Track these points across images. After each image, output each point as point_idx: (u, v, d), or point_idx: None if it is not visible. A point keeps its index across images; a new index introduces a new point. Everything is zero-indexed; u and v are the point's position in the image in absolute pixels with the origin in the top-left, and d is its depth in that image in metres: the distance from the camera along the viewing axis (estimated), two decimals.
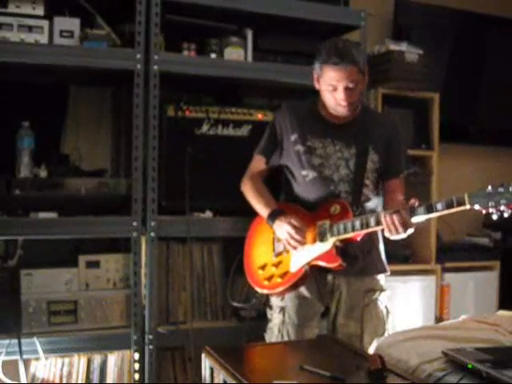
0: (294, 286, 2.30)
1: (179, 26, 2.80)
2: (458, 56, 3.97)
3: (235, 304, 2.64)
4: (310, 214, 2.30)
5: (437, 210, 2.01)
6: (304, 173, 2.34)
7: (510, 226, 3.95)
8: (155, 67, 2.65)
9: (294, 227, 2.21)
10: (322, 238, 2.22)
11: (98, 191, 2.69)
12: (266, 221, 2.33)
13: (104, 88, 3.10)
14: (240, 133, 2.83)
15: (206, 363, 1.84)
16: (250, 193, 2.44)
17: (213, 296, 2.88)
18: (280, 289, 2.30)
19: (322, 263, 2.22)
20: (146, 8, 2.64)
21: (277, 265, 2.33)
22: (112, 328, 2.70)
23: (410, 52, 3.35)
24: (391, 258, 3.38)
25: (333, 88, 2.21)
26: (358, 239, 2.20)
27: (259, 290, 2.38)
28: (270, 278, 2.33)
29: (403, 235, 2.08)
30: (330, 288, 2.35)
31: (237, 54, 2.86)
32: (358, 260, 2.32)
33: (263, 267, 2.37)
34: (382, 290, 2.40)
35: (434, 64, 3.46)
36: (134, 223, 2.64)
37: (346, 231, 2.17)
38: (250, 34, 2.91)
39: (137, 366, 2.67)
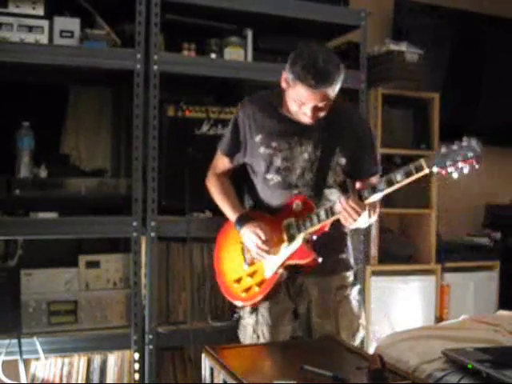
0: (273, 292, 2.24)
1: (179, 26, 2.80)
2: (458, 56, 3.97)
3: (215, 324, 2.57)
4: (275, 217, 2.23)
5: (397, 182, 1.97)
6: (268, 176, 2.24)
7: (510, 226, 3.95)
8: (155, 67, 2.65)
9: (260, 237, 2.16)
10: (290, 237, 2.17)
11: (98, 191, 2.69)
12: (233, 225, 2.27)
13: (104, 88, 3.10)
14: None
15: (206, 363, 1.84)
16: (216, 191, 2.38)
17: (213, 296, 2.88)
18: (259, 297, 2.23)
19: (295, 262, 2.18)
20: (146, 8, 2.64)
21: (252, 274, 2.26)
22: (112, 328, 2.70)
23: (410, 52, 3.35)
24: (391, 258, 3.42)
25: (301, 103, 2.08)
26: (327, 229, 2.15)
27: (238, 304, 2.32)
28: (247, 290, 2.26)
29: (357, 219, 2.04)
30: (299, 288, 2.28)
31: (237, 53, 2.86)
32: (328, 260, 2.21)
33: (238, 280, 2.29)
34: (352, 284, 2.34)
35: (434, 64, 3.47)
36: (134, 223, 2.64)
37: (312, 224, 2.13)
38: (250, 34, 2.91)
39: (137, 366, 2.67)
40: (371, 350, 2.93)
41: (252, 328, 2.29)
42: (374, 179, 2.27)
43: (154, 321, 2.68)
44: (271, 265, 2.21)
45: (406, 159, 3.47)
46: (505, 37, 4.12)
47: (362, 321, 2.34)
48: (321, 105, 2.08)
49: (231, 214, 2.30)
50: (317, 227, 2.13)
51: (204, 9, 2.74)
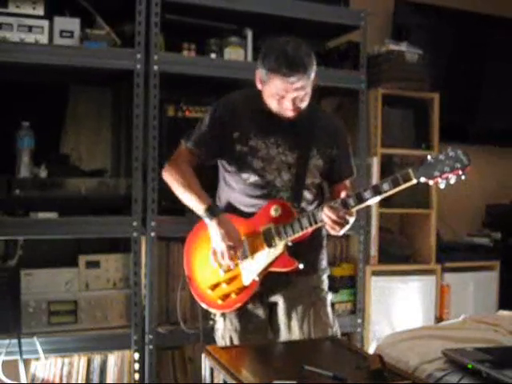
0: (252, 298, 2.17)
1: (179, 26, 2.80)
2: (458, 56, 3.97)
3: (188, 331, 2.44)
4: (250, 221, 2.15)
5: (384, 191, 1.97)
6: (245, 176, 2.17)
7: (510, 226, 3.95)
8: (155, 67, 2.65)
9: (229, 247, 2.05)
10: (270, 243, 2.10)
11: (98, 191, 2.69)
12: (202, 215, 2.12)
13: (104, 88, 3.10)
14: None
15: (206, 363, 1.84)
16: (178, 181, 2.16)
17: None
18: (238, 305, 2.16)
19: (278, 269, 2.11)
20: (146, 8, 2.64)
21: (228, 281, 2.16)
22: (112, 328, 2.70)
23: (410, 52, 3.35)
24: (391, 258, 3.42)
25: (280, 96, 2.05)
26: (307, 235, 2.11)
27: (214, 311, 2.22)
28: (224, 297, 2.16)
29: (345, 228, 2.02)
30: (269, 287, 2.19)
31: (237, 53, 2.86)
32: (303, 259, 2.14)
33: (213, 287, 2.18)
34: (328, 290, 2.29)
35: (434, 64, 3.46)
36: (134, 223, 2.64)
37: (294, 231, 2.07)
38: (250, 34, 2.91)
39: (137, 366, 2.67)
40: (371, 350, 2.93)
41: (221, 333, 2.23)
42: (349, 182, 2.29)
43: (154, 321, 2.68)
44: (249, 271, 2.13)
45: (406, 159, 3.48)
46: (505, 37, 4.12)
47: (337, 331, 2.25)
48: (299, 95, 2.05)
49: (198, 205, 2.11)
50: (299, 234, 2.08)
51: (204, 9, 2.74)
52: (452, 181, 1.91)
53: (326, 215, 2.00)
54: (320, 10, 2.95)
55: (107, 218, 2.65)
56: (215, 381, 1.82)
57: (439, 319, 3.45)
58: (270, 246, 2.10)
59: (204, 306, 2.23)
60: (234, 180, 2.22)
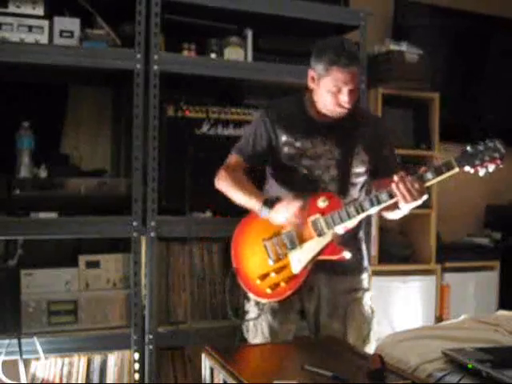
0: (300, 287, 2.24)
1: (179, 26, 2.80)
2: (458, 56, 3.97)
3: (239, 321, 2.41)
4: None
5: (428, 180, 2.05)
6: (293, 174, 2.28)
7: (510, 226, 3.95)
8: (155, 67, 2.65)
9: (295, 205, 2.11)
10: (319, 232, 2.17)
11: (98, 191, 2.69)
12: (258, 210, 2.18)
13: (104, 88, 3.10)
14: (240, 133, 2.82)
15: (206, 363, 1.84)
16: (230, 184, 2.28)
17: (213, 296, 2.88)
18: (288, 293, 2.22)
19: (327, 257, 2.18)
20: (146, 8, 2.64)
21: (277, 271, 2.23)
22: (112, 328, 2.70)
23: (410, 52, 3.35)
24: (391, 258, 3.42)
25: (337, 89, 2.16)
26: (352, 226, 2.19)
27: (263, 301, 2.28)
28: (273, 286, 2.23)
29: (419, 200, 2.06)
30: (309, 285, 2.27)
31: (237, 53, 2.86)
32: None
33: (263, 277, 2.25)
34: (366, 289, 2.36)
35: (434, 64, 3.47)
36: (134, 223, 2.64)
37: (342, 220, 2.14)
38: (250, 33, 2.91)
39: (137, 366, 2.67)
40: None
41: (253, 322, 2.30)
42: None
43: (154, 321, 2.68)
44: (299, 260, 2.20)
45: (406, 159, 3.48)
46: (505, 36, 4.12)
47: (374, 329, 2.33)
48: (354, 88, 2.18)
49: (254, 202, 2.21)
50: (347, 223, 2.15)
51: (204, 9, 2.74)
52: (490, 169, 2.02)
53: (398, 182, 2.03)
54: (320, 9, 2.95)
55: (107, 218, 2.64)
56: (215, 381, 1.82)
57: (439, 319, 3.45)
58: (319, 235, 2.18)
59: (252, 296, 2.30)
60: (282, 177, 2.33)
